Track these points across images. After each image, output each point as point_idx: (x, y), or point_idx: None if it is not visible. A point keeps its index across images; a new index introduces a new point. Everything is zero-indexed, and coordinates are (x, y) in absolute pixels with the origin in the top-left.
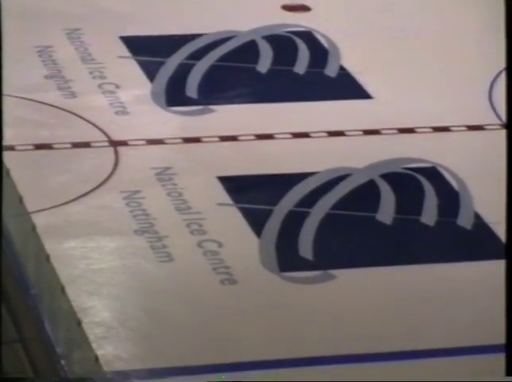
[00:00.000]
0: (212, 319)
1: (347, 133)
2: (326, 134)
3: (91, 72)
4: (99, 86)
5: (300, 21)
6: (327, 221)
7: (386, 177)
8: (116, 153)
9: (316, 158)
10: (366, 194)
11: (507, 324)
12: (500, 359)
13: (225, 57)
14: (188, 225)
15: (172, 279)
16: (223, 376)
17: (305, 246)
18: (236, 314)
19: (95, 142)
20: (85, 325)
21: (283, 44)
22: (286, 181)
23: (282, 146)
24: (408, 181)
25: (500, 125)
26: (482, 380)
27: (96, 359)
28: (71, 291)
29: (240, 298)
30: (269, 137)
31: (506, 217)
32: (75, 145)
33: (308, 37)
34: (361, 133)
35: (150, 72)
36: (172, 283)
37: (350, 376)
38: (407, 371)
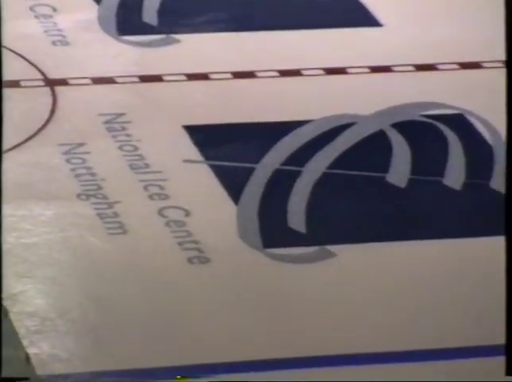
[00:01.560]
0: (176, 309)
1: (349, 70)
2: (322, 72)
3: None
4: (31, 8)
5: None
6: (324, 183)
7: (400, 126)
8: (53, 95)
9: (309, 103)
10: (374, 149)
11: (507, 324)
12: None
13: None
14: (145, 188)
15: (125, 257)
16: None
17: (296, 215)
18: (207, 303)
19: (26, 80)
20: (13, 316)
21: None
22: (271, 132)
23: (266, 86)
24: (427, 132)
25: None
26: (482, 380)
27: (27, 359)
28: None
29: (213, 280)
30: (250, 75)
31: (506, 217)
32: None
33: None
34: (367, 70)
35: None
36: (125, 262)
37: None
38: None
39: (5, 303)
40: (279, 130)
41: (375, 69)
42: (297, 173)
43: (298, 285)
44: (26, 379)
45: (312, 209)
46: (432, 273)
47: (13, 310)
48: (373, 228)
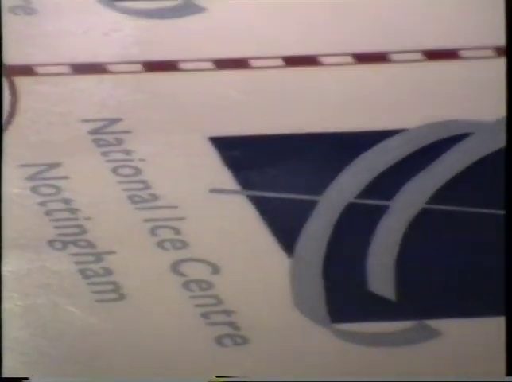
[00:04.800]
0: None
1: (462, 52)
2: (423, 57)
3: None
4: None
5: None
6: (423, 225)
7: None
8: (13, 89)
9: (400, 105)
10: (498, 174)
11: (507, 324)
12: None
13: None
14: (152, 231)
15: (121, 336)
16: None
17: (380, 274)
18: None
19: None
20: None
21: None
22: (342, 148)
23: (334, 78)
24: None
25: None
26: (482, 380)
27: None
28: None
29: (253, 369)
30: (311, 61)
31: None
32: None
33: None
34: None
35: None
36: (121, 344)
37: None
38: None
39: None
40: (354, 144)
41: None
42: (382, 210)
43: (384, 376)
44: (26, 379)
45: (405, 265)
46: None
47: None
48: (494, 294)
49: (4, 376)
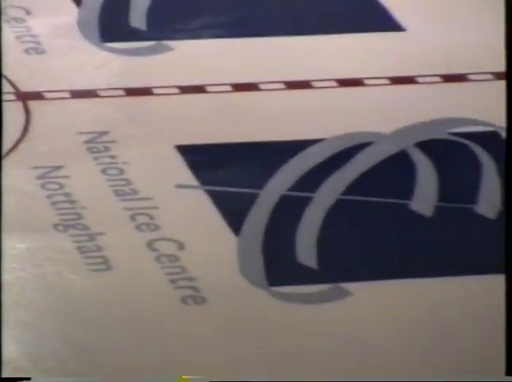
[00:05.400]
0: (168, 356)
1: (366, 81)
2: (336, 84)
3: None
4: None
5: None
6: (338, 211)
7: (425, 146)
8: (26, 110)
9: (320, 119)
10: (395, 172)
11: (507, 324)
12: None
13: None
14: (133, 217)
15: (109, 297)
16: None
17: (306, 248)
18: (203, 348)
19: None
20: None
21: None
22: (277, 153)
23: (271, 100)
24: (457, 153)
25: None
26: (482, 380)
27: None
28: None
29: (210, 323)
30: (252, 87)
31: (506, 219)
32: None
33: None
34: (387, 81)
35: None
36: (109, 303)
37: None
38: None
39: None
40: (286, 150)
41: (396, 80)
42: (307, 200)
43: (308, 327)
44: (27, 379)
45: (325, 242)
46: (453, 312)
47: None
48: (395, 262)
49: (4, 376)
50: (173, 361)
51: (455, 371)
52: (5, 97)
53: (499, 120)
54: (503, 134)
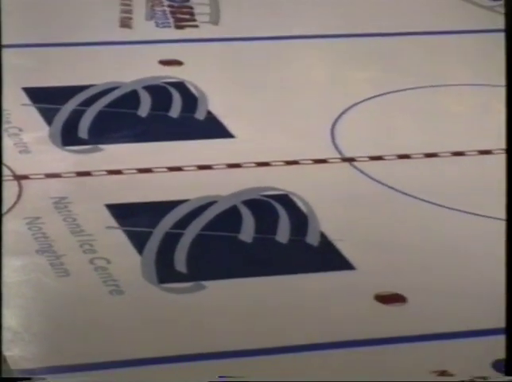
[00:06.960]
0: (102, 324)
1: (213, 166)
2: (196, 168)
3: None
4: (5, 129)
5: (173, 73)
6: (198, 240)
7: (247, 203)
8: (20, 185)
9: (187, 188)
10: (230, 218)
11: (507, 324)
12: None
13: (111, 104)
14: (81, 245)
15: (68, 291)
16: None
17: (180, 261)
18: (122, 321)
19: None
20: None
21: (160, 92)
22: (163, 208)
23: (159, 178)
24: (265, 206)
25: (340, 159)
26: (482, 380)
27: (5, 359)
28: None
29: (126, 306)
30: (149, 171)
31: (506, 219)
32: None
33: (181, 86)
34: (225, 166)
35: (48, 117)
36: (68, 294)
37: None
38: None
39: None
40: (168, 206)
41: (230, 165)
42: (181, 234)
43: (181, 309)
44: (28, 379)
45: (191, 257)
46: (275, 299)
47: None
48: (232, 268)
49: (4, 375)
50: (101, 330)
51: None
52: (7, 178)
53: (289, 188)
54: (291, 196)
